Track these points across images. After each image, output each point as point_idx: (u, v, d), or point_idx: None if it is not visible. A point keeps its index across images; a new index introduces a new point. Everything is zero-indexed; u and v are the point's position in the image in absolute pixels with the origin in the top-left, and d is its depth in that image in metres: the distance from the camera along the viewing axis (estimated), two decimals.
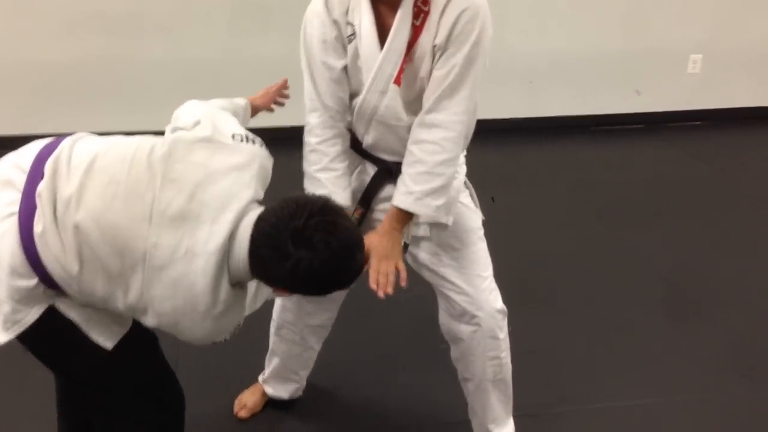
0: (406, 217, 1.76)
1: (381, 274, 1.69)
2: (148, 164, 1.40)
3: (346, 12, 1.71)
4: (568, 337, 2.79)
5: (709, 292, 3.10)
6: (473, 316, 1.91)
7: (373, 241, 1.72)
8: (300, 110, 1.85)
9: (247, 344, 2.41)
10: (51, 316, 1.47)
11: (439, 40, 1.66)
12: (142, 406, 1.68)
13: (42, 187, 1.39)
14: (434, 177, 1.71)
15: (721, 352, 2.70)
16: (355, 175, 1.93)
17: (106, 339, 1.53)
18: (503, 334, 1.96)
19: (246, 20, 4.11)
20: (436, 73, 1.68)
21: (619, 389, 2.52)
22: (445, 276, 1.92)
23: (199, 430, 2.05)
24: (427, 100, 1.71)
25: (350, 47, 1.74)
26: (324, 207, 1.41)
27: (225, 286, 1.40)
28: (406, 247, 1.89)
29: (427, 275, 1.97)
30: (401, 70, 1.69)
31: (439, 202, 1.74)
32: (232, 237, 1.39)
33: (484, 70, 1.72)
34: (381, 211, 1.92)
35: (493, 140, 4.37)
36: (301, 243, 1.35)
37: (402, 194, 1.74)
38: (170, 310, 1.40)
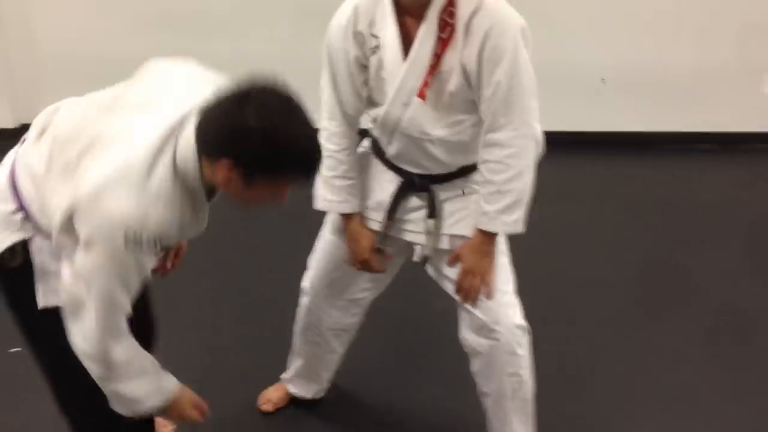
0: (487, 236, 1.80)
1: (465, 288, 1.83)
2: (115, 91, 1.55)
3: (371, 23, 1.73)
4: (602, 360, 2.71)
5: (766, 328, 2.92)
6: (491, 330, 1.89)
7: (462, 254, 1.82)
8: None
9: (272, 342, 2.49)
10: (20, 253, 1.53)
11: (469, 58, 1.66)
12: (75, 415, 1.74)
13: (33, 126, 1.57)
14: (504, 195, 1.74)
15: None
16: (385, 183, 1.93)
17: (45, 297, 1.54)
18: (523, 351, 1.93)
19: (308, 22, 4.17)
20: (484, 93, 1.68)
21: (655, 418, 2.43)
22: None
23: (222, 422, 2.11)
24: (485, 120, 1.72)
25: (374, 58, 1.75)
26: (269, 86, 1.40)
27: (165, 163, 1.38)
28: (425, 259, 1.90)
29: (449, 287, 1.96)
30: (425, 84, 1.70)
31: (514, 217, 1.77)
32: (181, 121, 1.40)
33: (532, 81, 1.70)
34: (407, 221, 1.92)
35: (551, 152, 4.30)
36: (246, 101, 1.34)
37: (480, 215, 1.79)
38: (100, 180, 1.36)
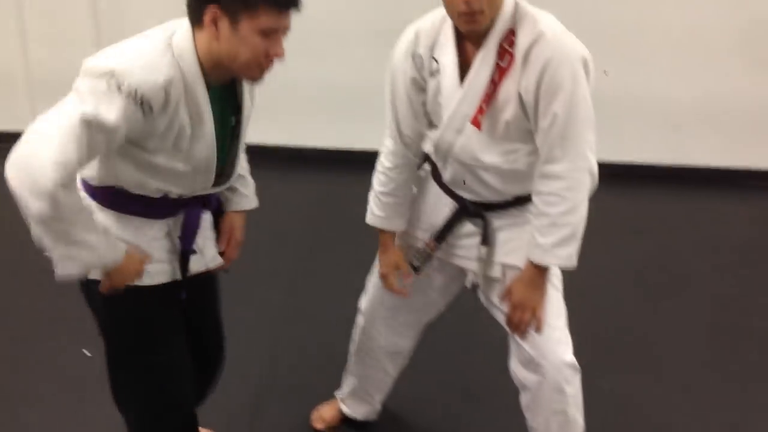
0: (538, 268, 1.78)
1: (515, 321, 1.81)
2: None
3: (432, 46, 1.75)
4: (666, 403, 2.60)
5: None
6: (538, 365, 1.86)
7: (513, 287, 1.80)
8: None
9: (328, 359, 2.51)
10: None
11: (526, 88, 1.65)
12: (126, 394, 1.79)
13: None
14: (559, 228, 1.71)
15: None
16: (441, 206, 1.95)
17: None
18: (571, 389, 1.88)
19: (382, 45, 4.24)
20: (540, 124, 1.67)
21: None
22: None
23: None
24: (541, 152, 1.71)
25: (433, 81, 1.77)
26: None
27: (158, 38, 1.51)
28: (476, 286, 1.89)
29: (499, 317, 1.94)
30: (480, 111, 1.70)
31: (568, 251, 1.74)
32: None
33: (590, 113, 1.69)
34: (459, 246, 1.92)
35: (631, 185, 4.23)
36: None
37: (533, 247, 1.76)
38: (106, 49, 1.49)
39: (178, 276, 1.72)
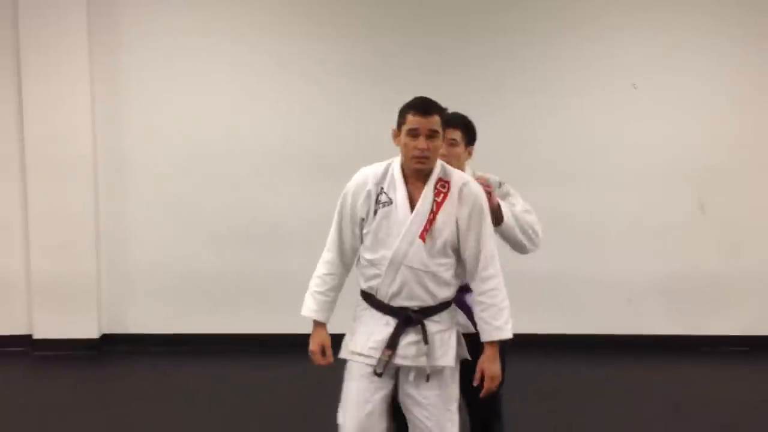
0: (496, 344, 2.40)
1: (488, 390, 2.41)
2: None
3: (381, 184, 2.42)
4: None
5: None
6: None
7: (484, 366, 2.40)
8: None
9: None
10: None
11: (462, 215, 2.38)
12: None
13: None
14: (502, 310, 2.40)
15: None
16: (380, 327, 2.43)
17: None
18: None
19: None
20: (468, 245, 2.38)
21: None
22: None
23: None
24: (476, 262, 2.38)
25: (383, 211, 2.39)
26: None
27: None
28: (415, 377, 2.41)
29: (409, 404, 2.43)
30: (425, 229, 2.37)
31: (510, 325, 2.40)
32: None
33: (492, 231, 2.45)
34: (404, 352, 2.40)
35: (591, 355, 4.55)
36: None
37: (490, 330, 2.39)
38: None
39: None
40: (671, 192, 4.99)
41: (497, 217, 2.55)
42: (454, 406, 2.44)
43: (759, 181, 5.01)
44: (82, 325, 4.90)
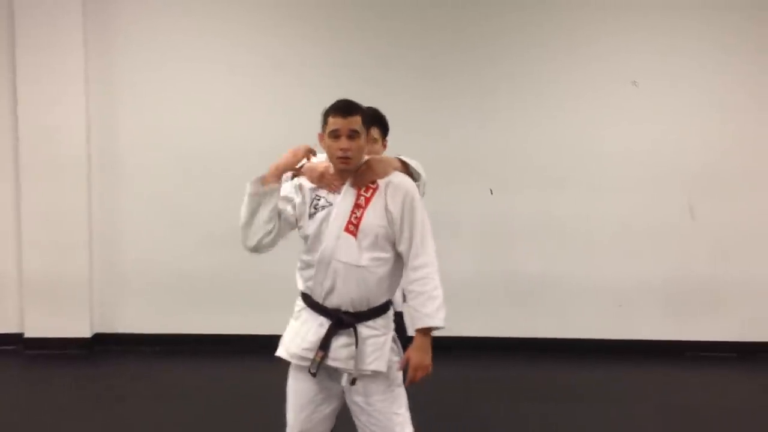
0: (428, 331, 2.38)
1: (414, 380, 2.39)
2: None
3: (317, 192, 2.46)
4: None
5: None
6: None
7: (411, 355, 2.38)
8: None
9: None
10: None
11: (394, 206, 2.39)
12: None
13: None
14: (434, 299, 2.38)
15: None
16: (314, 328, 2.44)
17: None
18: None
19: None
20: (403, 236, 2.39)
21: None
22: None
23: None
24: (408, 251, 2.39)
25: (322, 213, 2.40)
26: None
27: None
28: (353, 381, 2.40)
29: (354, 409, 2.45)
30: (350, 222, 2.39)
31: (442, 314, 2.38)
32: None
33: (427, 221, 2.43)
34: (337, 355, 2.41)
35: (581, 359, 4.57)
36: None
37: (419, 318, 2.38)
38: None
39: None
40: (662, 197, 5.02)
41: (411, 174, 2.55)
42: (403, 409, 2.45)
43: (749, 186, 5.03)
44: (74, 324, 4.91)
